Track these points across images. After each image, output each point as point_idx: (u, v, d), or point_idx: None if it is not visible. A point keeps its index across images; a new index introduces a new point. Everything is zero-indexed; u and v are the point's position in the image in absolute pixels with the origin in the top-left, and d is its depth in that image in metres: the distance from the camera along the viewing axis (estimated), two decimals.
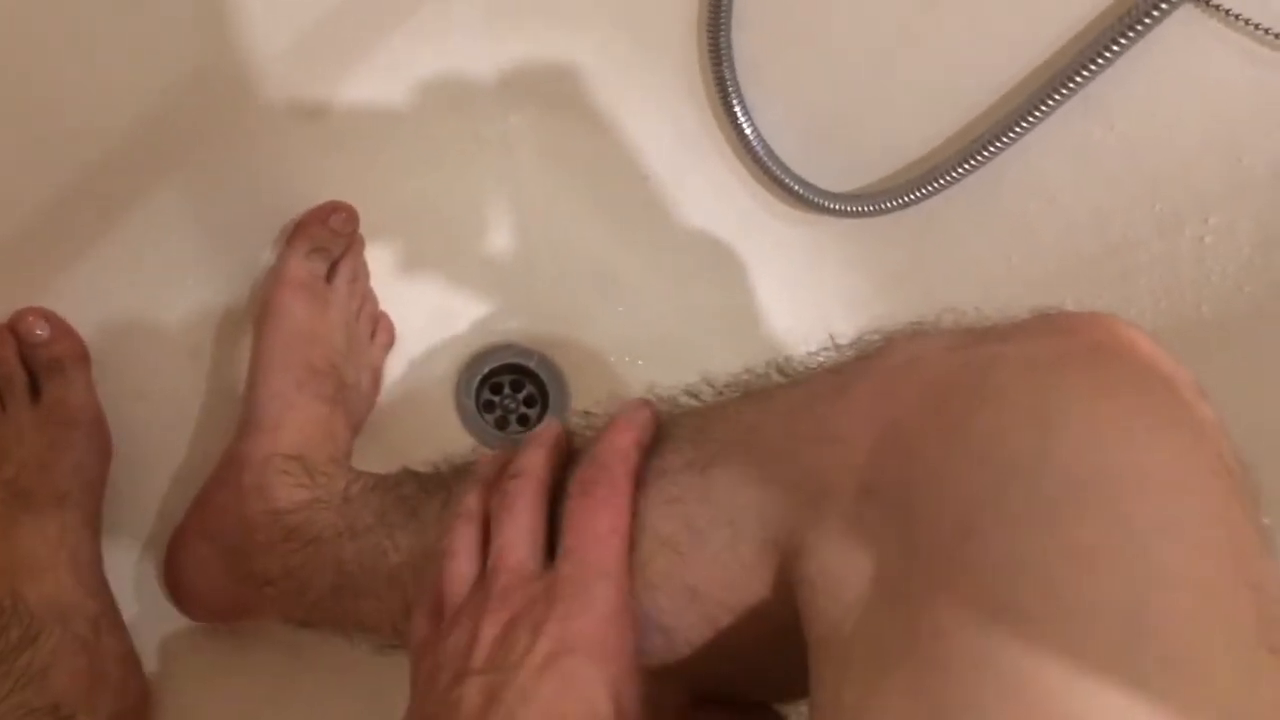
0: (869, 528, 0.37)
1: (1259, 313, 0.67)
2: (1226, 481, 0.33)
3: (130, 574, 0.71)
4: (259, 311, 0.73)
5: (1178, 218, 0.70)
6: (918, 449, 0.37)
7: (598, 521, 0.44)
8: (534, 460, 0.49)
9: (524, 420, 0.83)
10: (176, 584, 0.68)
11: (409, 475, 0.62)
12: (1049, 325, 0.39)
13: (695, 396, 0.51)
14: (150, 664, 0.69)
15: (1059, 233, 0.75)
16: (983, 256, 0.80)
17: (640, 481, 0.46)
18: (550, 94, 0.82)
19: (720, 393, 0.50)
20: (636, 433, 0.47)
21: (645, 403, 0.50)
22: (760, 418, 0.45)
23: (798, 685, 0.39)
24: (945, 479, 0.35)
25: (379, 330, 0.78)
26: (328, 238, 0.74)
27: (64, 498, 0.66)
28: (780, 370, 0.48)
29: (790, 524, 0.40)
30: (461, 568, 0.47)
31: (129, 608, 0.69)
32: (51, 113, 0.68)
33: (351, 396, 0.73)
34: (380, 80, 0.77)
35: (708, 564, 0.43)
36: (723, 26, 0.77)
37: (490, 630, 0.43)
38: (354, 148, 0.78)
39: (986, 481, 0.34)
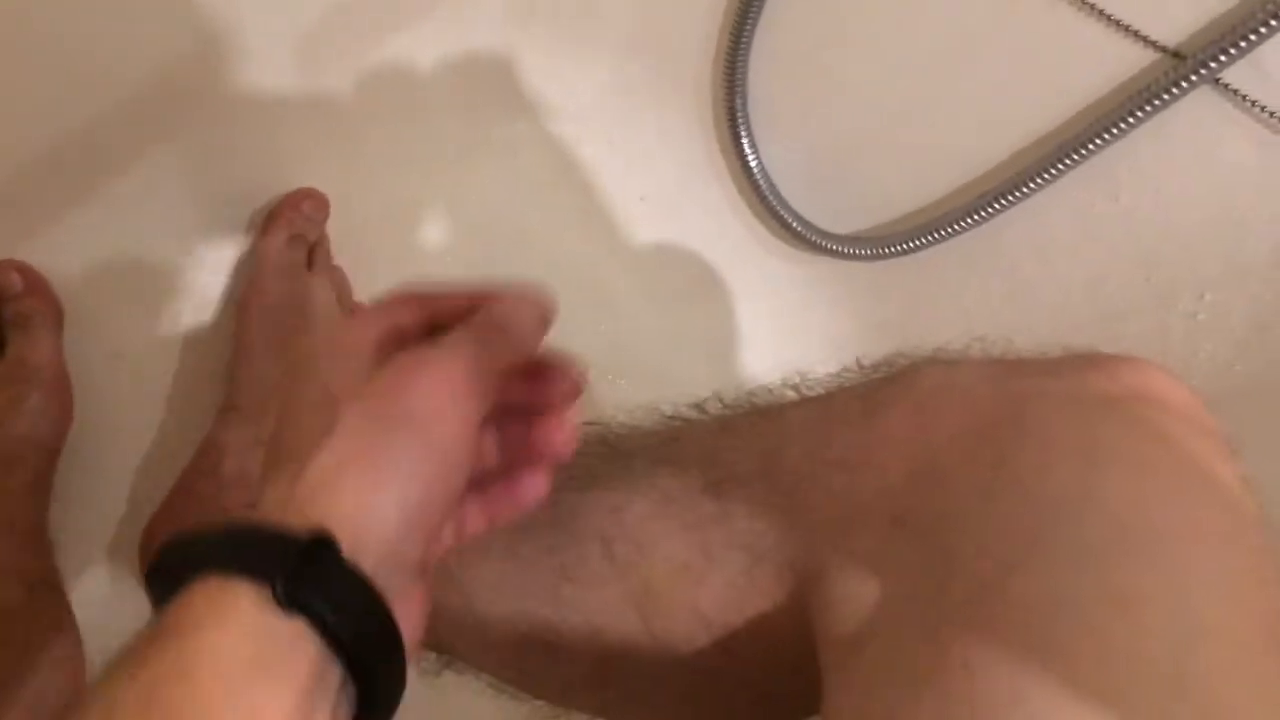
0: (898, 557, 0.37)
1: (1249, 391, 0.68)
2: (1265, 537, 0.34)
3: (92, 544, 0.69)
4: (241, 298, 0.71)
5: (1173, 292, 0.71)
6: (956, 481, 0.37)
7: None
8: None
9: None
10: None
11: None
12: (1090, 364, 0.39)
13: (702, 410, 0.50)
14: (102, 639, 0.66)
15: (1053, 295, 0.77)
16: (973, 311, 0.81)
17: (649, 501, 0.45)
18: (561, 104, 0.82)
19: (729, 408, 0.49)
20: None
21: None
22: (779, 439, 0.44)
23: (804, 708, 0.39)
24: (986, 513, 0.35)
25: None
26: (303, 223, 0.73)
27: (14, 461, 0.64)
28: (796, 388, 0.48)
29: (811, 549, 0.40)
30: None
31: (90, 581, 0.66)
32: (57, 62, 0.67)
33: None
34: (392, 74, 0.76)
35: (723, 588, 0.42)
36: (740, 58, 0.77)
37: None
38: (359, 139, 0.77)
39: (1030, 518, 0.34)
